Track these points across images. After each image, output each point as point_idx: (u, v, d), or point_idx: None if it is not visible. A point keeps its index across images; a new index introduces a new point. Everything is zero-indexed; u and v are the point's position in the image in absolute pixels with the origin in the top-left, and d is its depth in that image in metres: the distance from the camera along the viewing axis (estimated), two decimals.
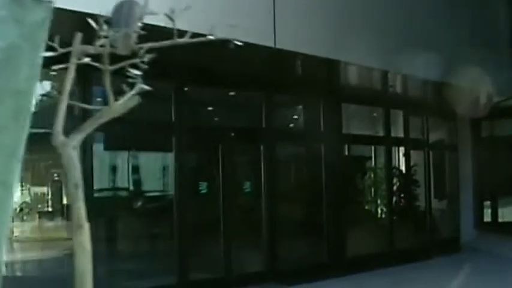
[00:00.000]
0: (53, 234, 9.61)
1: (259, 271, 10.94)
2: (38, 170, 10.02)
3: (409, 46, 10.99)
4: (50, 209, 10.07)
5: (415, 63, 10.83)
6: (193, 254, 9.90)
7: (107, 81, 3.61)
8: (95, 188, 8.83)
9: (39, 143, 3.49)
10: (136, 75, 3.53)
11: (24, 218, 9.75)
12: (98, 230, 8.91)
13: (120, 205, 10.23)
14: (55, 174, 9.96)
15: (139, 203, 10.42)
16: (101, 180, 9.51)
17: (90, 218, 3.57)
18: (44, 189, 10.18)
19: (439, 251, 13.93)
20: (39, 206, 10.03)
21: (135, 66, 3.55)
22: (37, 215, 9.99)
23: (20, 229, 9.71)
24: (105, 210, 9.48)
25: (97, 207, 9.17)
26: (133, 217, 10.28)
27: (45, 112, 4.36)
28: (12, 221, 9.33)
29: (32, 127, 2.36)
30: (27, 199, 9.88)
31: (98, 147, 9.38)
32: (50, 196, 10.03)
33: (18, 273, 9.53)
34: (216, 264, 10.42)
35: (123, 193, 10.38)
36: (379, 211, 14.14)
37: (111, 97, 3.62)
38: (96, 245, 3.72)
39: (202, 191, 10.69)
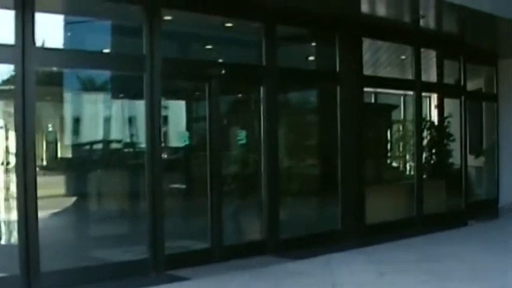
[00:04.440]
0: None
1: (255, 241, 9.20)
2: None
3: None
4: (44, 163, 8.65)
5: None
6: (172, 221, 8.20)
7: None
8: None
9: None
10: None
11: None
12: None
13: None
14: (49, 125, 8.85)
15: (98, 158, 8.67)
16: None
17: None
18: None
19: (475, 215, 12.68)
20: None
21: None
22: None
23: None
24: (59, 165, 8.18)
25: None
26: (92, 175, 8.52)
27: None
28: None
29: None
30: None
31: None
32: (44, 149, 8.69)
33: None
34: (200, 233, 8.66)
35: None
36: (406, 169, 12.74)
37: None
38: None
39: (184, 143, 8.87)
